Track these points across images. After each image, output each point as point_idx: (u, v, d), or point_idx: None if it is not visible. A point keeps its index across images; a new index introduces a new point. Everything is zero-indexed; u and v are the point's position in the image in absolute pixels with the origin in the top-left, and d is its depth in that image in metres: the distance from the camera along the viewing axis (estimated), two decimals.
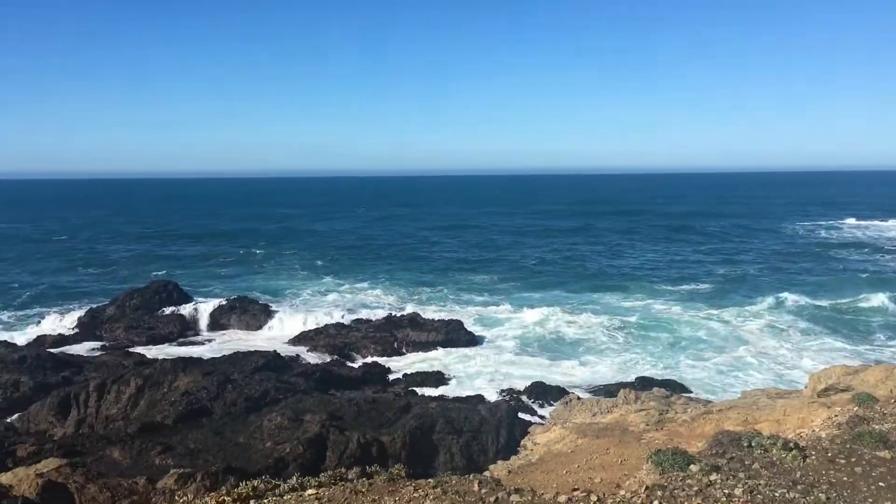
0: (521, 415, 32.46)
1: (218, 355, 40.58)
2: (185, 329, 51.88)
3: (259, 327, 52.77)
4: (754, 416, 16.18)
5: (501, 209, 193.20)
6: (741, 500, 9.99)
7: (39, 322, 53.89)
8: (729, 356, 43.79)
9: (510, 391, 37.12)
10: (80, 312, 54.78)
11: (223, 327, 53.20)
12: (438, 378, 40.23)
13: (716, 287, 66.26)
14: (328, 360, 44.06)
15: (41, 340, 48.23)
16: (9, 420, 33.65)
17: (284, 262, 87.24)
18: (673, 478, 10.83)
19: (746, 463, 11.66)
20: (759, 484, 10.63)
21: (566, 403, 24.34)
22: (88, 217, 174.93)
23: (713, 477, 10.78)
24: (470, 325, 50.94)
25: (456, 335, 48.10)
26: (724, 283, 67.98)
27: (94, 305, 58.60)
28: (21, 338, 48.96)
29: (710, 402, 22.16)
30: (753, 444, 12.36)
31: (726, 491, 10.34)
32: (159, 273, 79.20)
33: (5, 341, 45.45)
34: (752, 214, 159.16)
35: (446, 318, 51.19)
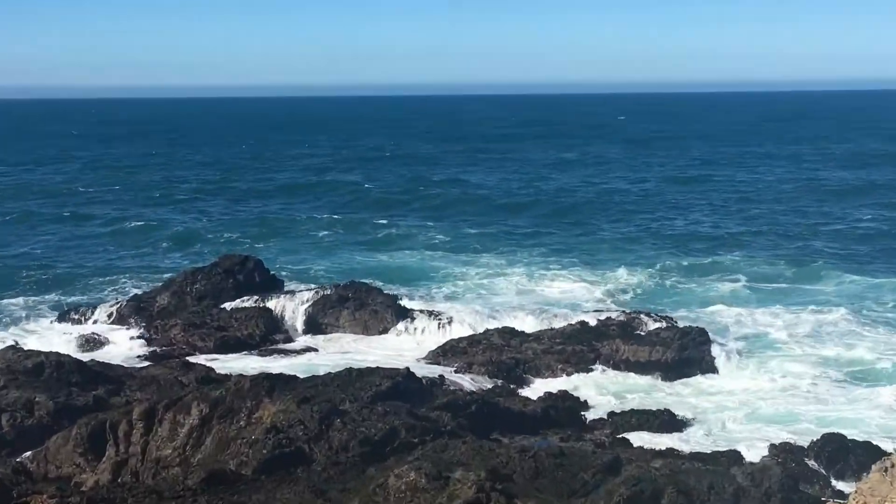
0: (803, 486, 31.65)
1: (320, 372, 41.88)
2: (271, 330, 53.96)
3: (383, 330, 54.12)
4: None
5: (782, 146, 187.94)
6: None
7: (61, 315, 57.65)
8: None
9: (785, 446, 36.15)
10: (120, 301, 58.24)
11: (328, 329, 55.00)
12: (666, 420, 39.82)
13: None
14: (489, 385, 44.55)
15: (64, 342, 51.55)
16: (19, 459, 36.15)
17: (418, 229, 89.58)
18: None
19: None
20: None
21: (884, 471, 23.38)
22: (125, 154, 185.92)
23: None
24: (719, 336, 50.27)
25: (695, 352, 47.52)
26: None
27: (140, 291, 62.06)
28: (35, 338, 52.45)
29: None
30: None
31: None
32: (232, 238, 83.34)
33: (14, 344, 48.90)
34: None
35: (680, 325, 50.63)
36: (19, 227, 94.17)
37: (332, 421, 34.21)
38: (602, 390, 44.95)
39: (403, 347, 51.97)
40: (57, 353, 45.33)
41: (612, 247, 79.98)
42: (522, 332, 51.46)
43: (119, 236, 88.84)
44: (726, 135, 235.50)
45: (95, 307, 57.80)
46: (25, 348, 47.34)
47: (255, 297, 57.57)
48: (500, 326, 52.20)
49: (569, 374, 46.53)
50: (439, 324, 54.14)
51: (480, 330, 52.11)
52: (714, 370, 47.02)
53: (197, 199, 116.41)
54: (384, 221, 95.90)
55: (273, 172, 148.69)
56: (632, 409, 41.20)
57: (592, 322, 51.90)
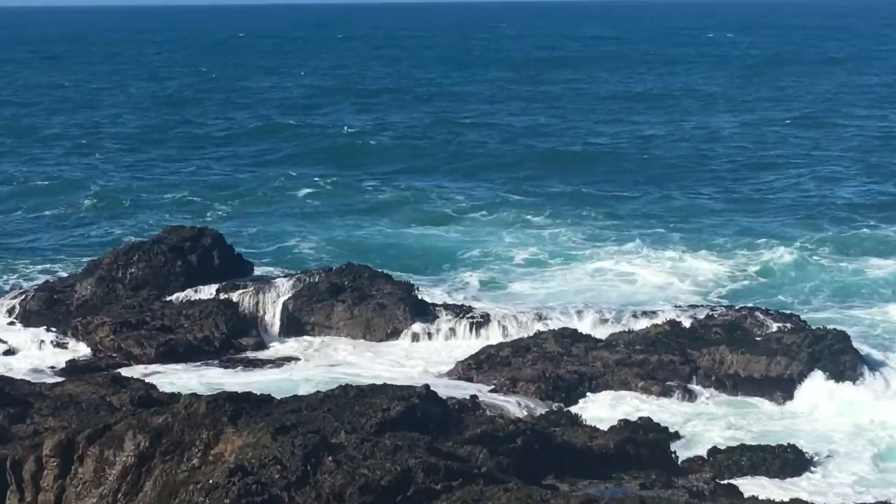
0: None
1: (305, 391, 41.91)
2: (236, 332, 53.91)
3: (392, 333, 54.04)
4: None
5: None
6: None
7: None
8: None
9: None
10: (26, 291, 58.39)
11: (315, 330, 55.04)
12: (791, 459, 39.62)
13: None
14: (541, 409, 44.42)
15: None
16: None
17: (439, 192, 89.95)
18: None
19: None
20: None
21: None
22: (29, 84, 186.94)
23: None
24: (867, 342, 50.01)
25: (832, 364, 47.09)
26: None
27: (52, 277, 62.19)
28: None
29: None
30: None
31: None
32: (181, 202, 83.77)
33: None
34: None
35: (811, 327, 50.34)
36: None
37: (321, 459, 34.10)
38: (700, 417, 44.60)
39: (421, 357, 51.79)
40: None
41: (715, 217, 79.95)
42: (588, 335, 51.27)
43: (22, 200, 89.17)
44: (876, 57, 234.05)
45: None
46: None
47: (215, 287, 57.52)
48: (556, 328, 52.00)
49: (653, 395, 46.33)
50: (472, 324, 53.94)
51: (529, 333, 51.97)
52: (859, 389, 46.23)
53: (132, 147, 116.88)
54: (390, 181, 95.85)
55: (237, 110, 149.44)
56: (742, 445, 40.76)
57: (687, 322, 51.65)
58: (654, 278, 63.46)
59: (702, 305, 55.75)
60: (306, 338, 54.77)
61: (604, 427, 41.94)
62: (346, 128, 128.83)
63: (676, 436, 42.29)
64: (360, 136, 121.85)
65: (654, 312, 54.03)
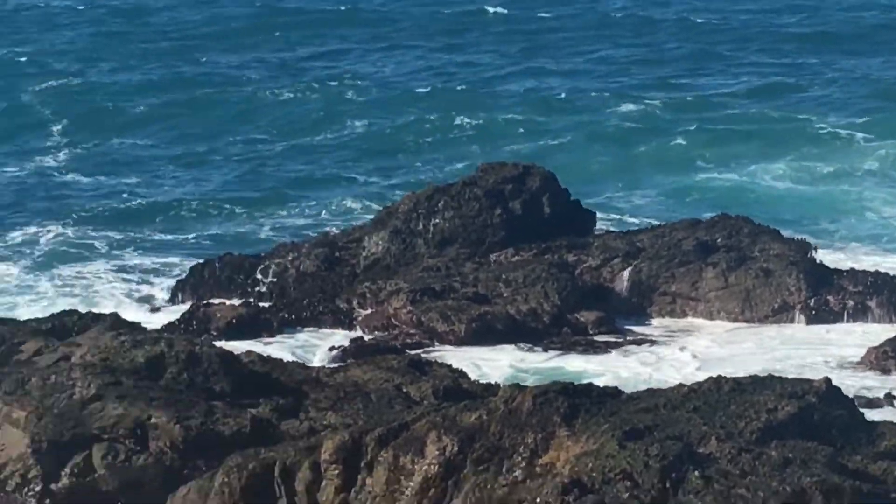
0: None
1: (663, 384, 41.76)
2: (571, 304, 54.03)
3: (778, 309, 53.70)
4: None
5: None
6: None
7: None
8: None
9: None
10: (300, 246, 59.75)
11: (676, 302, 55.32)
12: None
13: None
14: None
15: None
16: None
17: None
18: None
19: None
20: None
21: None
22: None
23: None
24: None
25: None
26: None
27: (334, 229, 64.16)
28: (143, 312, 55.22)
29: None
30: None
31: None
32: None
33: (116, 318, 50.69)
34: None
35: None
36: None
37: (684, 474, 33.93)
38: None
39: (820, 341, 51.57)
40: (188, 340, 46.13)
41: None
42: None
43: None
44: None
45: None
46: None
47: (545, 244, 58.08)
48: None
49: None
50: (891, 297, 53.51)
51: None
52: None
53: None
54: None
55: None
56: None
57: None
58: None
59: None
60: (664, 313, 55.19)
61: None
62: None
63: None
64: None
65: None
